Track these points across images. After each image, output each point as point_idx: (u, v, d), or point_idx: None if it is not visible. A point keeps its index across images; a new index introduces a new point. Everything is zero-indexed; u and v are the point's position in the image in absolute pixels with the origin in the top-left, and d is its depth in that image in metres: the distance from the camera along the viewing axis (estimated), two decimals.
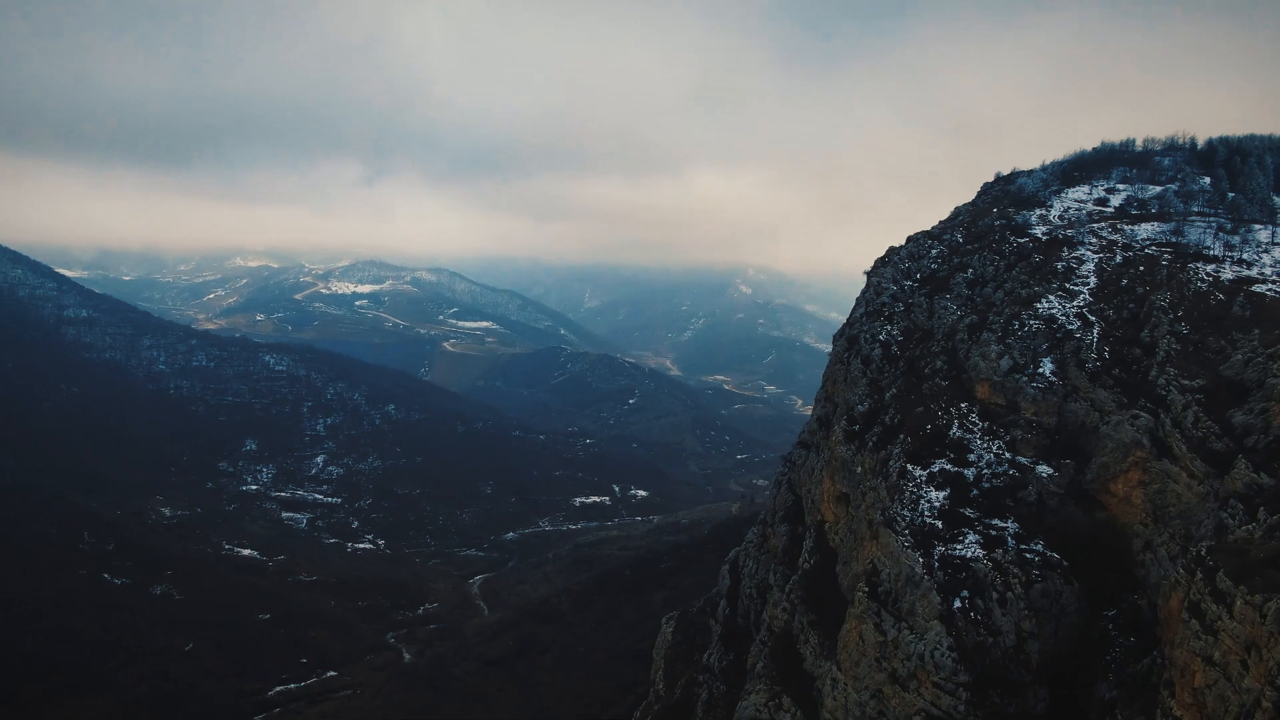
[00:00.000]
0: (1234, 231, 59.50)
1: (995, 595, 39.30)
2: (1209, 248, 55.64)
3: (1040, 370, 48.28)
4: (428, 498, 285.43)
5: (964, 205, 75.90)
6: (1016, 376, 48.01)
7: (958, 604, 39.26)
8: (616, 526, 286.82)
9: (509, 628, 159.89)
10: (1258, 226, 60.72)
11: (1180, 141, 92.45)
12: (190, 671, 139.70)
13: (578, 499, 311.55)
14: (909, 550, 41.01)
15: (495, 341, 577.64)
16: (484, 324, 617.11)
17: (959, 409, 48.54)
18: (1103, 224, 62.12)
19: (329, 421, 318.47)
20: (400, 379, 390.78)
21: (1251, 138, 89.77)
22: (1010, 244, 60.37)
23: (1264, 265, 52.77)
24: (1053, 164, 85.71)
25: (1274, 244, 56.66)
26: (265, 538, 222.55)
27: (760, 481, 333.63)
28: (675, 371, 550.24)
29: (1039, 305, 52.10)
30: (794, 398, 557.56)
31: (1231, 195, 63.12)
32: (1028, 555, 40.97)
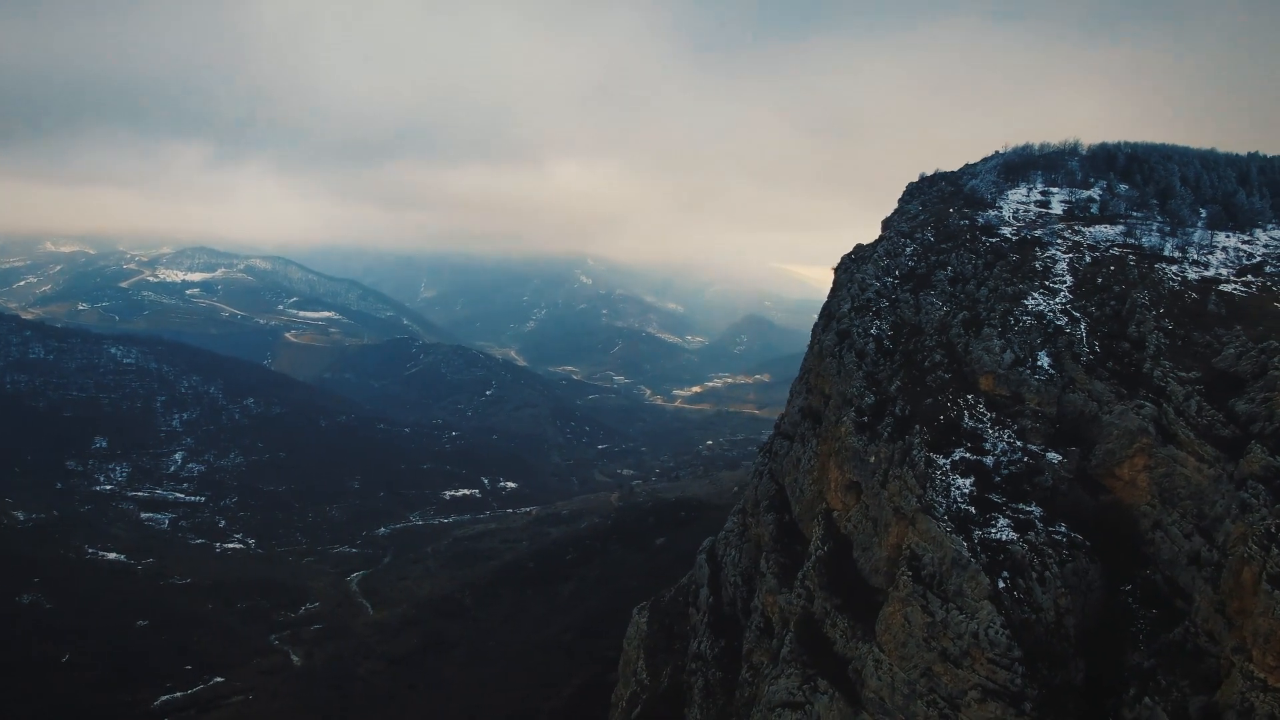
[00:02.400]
0: (1173, 234, 65.15)
1: (1035, 575, 42.03)
2: (1163, 249, 60.72)
3: (1039, 363, 51.63)
4: (295, 494, 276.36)
5: (913, 206, 79.43)
6: (1019, 369, 51.21)
7: (1001, 584, 41.77)
8: (492, 519, 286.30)
9: (410, 624, 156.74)
10: (1191, 229, 66.59)
11: (1080, 148, 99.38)
12: (71, 684, 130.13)
13: (448, 492, 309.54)
14: (952, 535, 43.25)
15: (339, 332, 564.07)
16: (326, 314, 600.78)
17: (966, 400, 51.29)
18: (1060, 225, 66.70)
19: (185, 416, 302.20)
20: (257, 371, 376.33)
21: (1147, 145, 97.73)
22: (983, 243, 64.02)
23: (1217, 266, 58.13)
24: (980, 164, 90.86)
25: (1213, 245, 62.32)
26: (128, 540, 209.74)
27: (626, 471, 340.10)
28: (522, 363, 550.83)
29: (1026, 302, 55.64)
30: (643, 388, 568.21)
31: (1172, 201, 68.66)
32: (1056, 537, 43.97)
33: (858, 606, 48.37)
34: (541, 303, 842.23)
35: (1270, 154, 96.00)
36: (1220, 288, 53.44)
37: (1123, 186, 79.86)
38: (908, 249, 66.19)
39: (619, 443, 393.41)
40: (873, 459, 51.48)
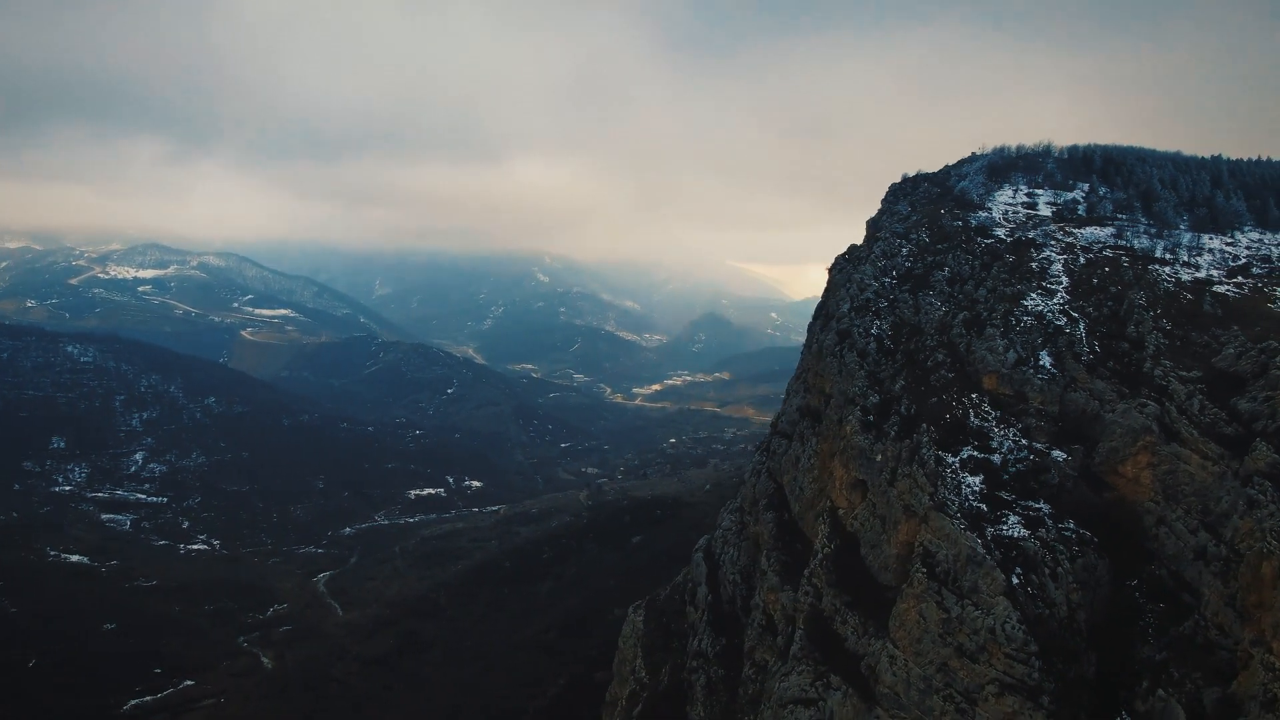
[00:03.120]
0: (1160, 236, 66.70)
1: (1048, 571, 42.85)
2: (1154, 251, 62.12)
3: (1041, 363, 52.59)
4: (259, 494, 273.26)
5: (902, 206, 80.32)
6: (1022, 369, 52.10)
7: (1015, 580, 42.53)
8: (459, 518, 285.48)
9: (385, 625, 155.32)
10: (1175, 231, 68.18)
11: (1053, 150, 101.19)
12: (39, 689, 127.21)
13: (412, 491, 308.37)
14: (966, 532, 43.92)
15: (295, 330, 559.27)
16: (282, 311, 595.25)
17: (971, 399, 52.09)
18: (1051, 227, 67.92)
19: (145, 416, 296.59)
20: (218, 370, 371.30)
21: (1118, 147, 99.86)
22: (978, 244, 65.01)
23: (1207, 268, 59.62)
24: (966, 166, 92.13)
25: (1199, 247, 63.89)
26: (90, 542, 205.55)
27: (590, 470, 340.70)
28: (480, 361, 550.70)
29: (1025, 302, 56.64)
30: (603, 386, 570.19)
31: (1158, 204, 70.22)
32: (1065, 533, 44.84)
33: (868, 603, 48.95)
34: (499, 300, 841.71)
35: (1233, 157, 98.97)
36: (1214, 289, 54.79)
37: (1104, 189, 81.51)
38: (904, 250, 67.01)
39: (582, 441, 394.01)
40: (879, 457, 52.07)
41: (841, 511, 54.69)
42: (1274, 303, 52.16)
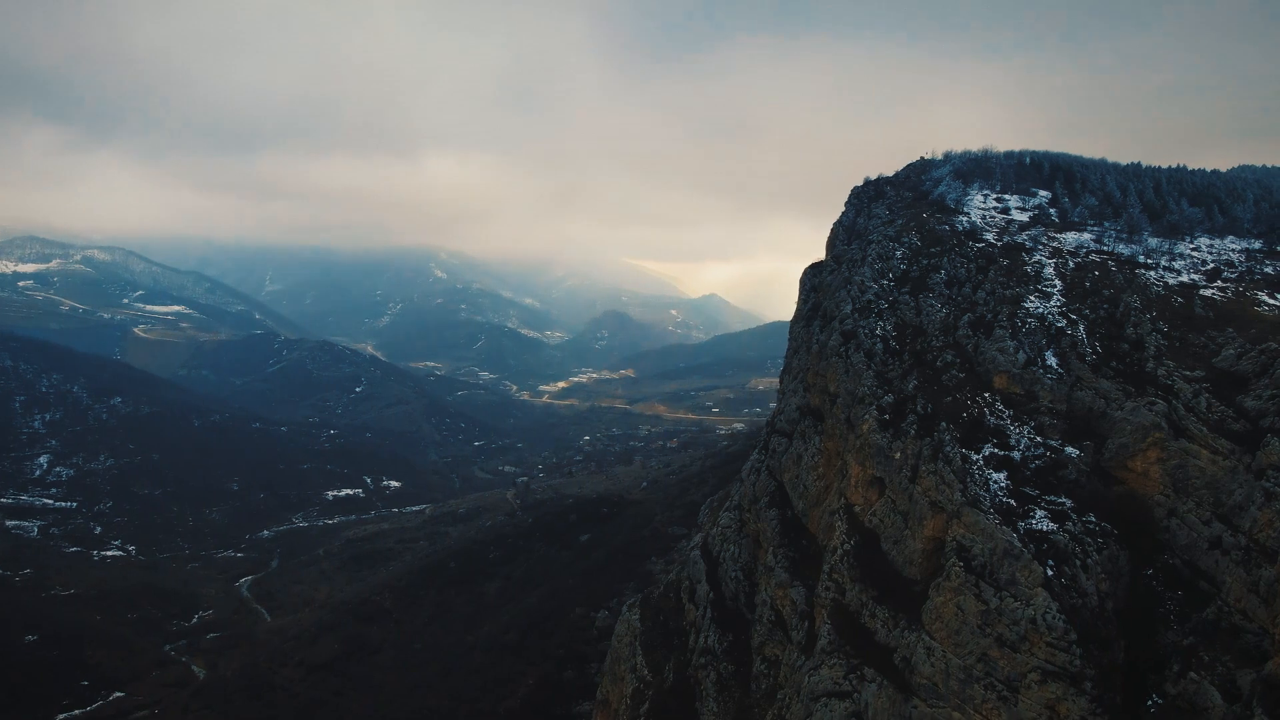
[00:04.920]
0: (1131, 241, 70.29)
1: (1079, 563, 44.92)
2: (1135, 255, 65.50)
3: (1048, 363, 55.00)
4: (173, 497, 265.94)
5: (879, 209, 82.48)
6: (1032, 368, 54.40)
7: (1049, 572, 44.50)
8: (382, 519, 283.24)
9: (327, 629, 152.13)
10: (1143, 236, 71.89)
11: (993, 154, 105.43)
12: None
13: (330, 492, 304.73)
14: (1001, 527, 45.73)
15: (191, 327, 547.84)
16: (175, 308, 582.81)
17: (984, 398, 54.14)
18: (1034, 231, 70.86)
19: (48, 417, 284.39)
20: (122, 369, 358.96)
21: (1060, 154, 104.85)
22: (970, 248, 67.39)
23: (1185, 272, 63.17)
24: (921, 168, 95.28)
25: (1171, 252, 67.57)
26: None
27: (507, 468, 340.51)
28: (381, 359, 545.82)
29: (1026, 305, 59.09)
30: (509, 384, 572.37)
31: (1130, 211, 73.88)
32: (1089, 526, 47.05)
33: (897, 597, 50.38)
34: (396, 297, 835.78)
35: (1148, 164, 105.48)
36: (1201, 292, 58.09)
37: (1066, 196, 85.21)
38: (898, 253, 68.87)
39: (495, 439, 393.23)
40: (898, 455, 53.59)
41: (858, 508, 56.07)
42: (1260, 306, 55.60)
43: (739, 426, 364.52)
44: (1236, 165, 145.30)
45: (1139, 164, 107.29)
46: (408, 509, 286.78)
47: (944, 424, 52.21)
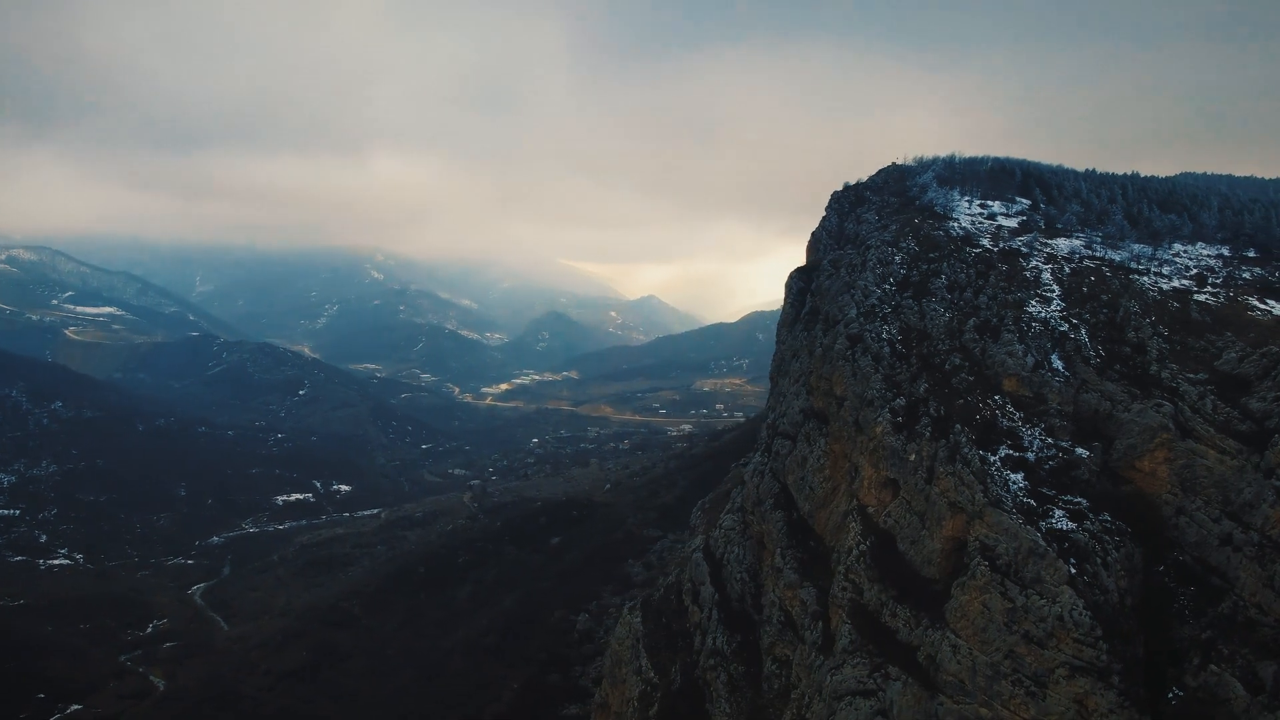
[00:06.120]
0: (1117, 247, 72.56)
1: (1099, 560, 46.33)
2: (1127, 261, 67.63)
3: (1055, 366, 56.57)
4: (119, 504, 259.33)
5: (869, 214, 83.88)
6: (1041, 371, 55.91)
7: (1072, 569, 45.83)
8: (335, 524, 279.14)
9: (295, 636, 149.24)
10: (1126, 243, 74.23)
11: (958, 161, 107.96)
12: None
13: (280, 497, 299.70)
14: (1025, 526, 46.96)
15: (125, 329, 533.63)
16: (107, 310, 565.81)
17: (994, 401, 55.49)
18: (1026, 238, 72.75)
19: None
20: (61, 373, 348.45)
21: (1028, 161, 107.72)
22: (968, 254, 68.93)
23: (1176, 277, 65.43)
24: (924, 174, 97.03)
25: (1157, 258, 69.94)
26: None
27: (457, 471, 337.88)
28: (323, 361, 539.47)
29: (1029, 309, 60.67)
30: (451, 386, 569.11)
31: (1115, 218, 76.20)
32: (1105, 524, 48.53)
33: (916, 596, 51.38)
34: (333, 298, 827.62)
35: (1101, 170, 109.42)
36: (1195, 297, 60.24)
37: (1045, 202, 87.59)
38: (896, 258, 70.12)
39: (442, 442, 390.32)
40: (913, 457, 54.66)
41: (871, 509, 57.02)
42: (1253, 311, 57.87)
43: (687, 428, 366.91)
44: (1179, 172, 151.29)
45: (1094, 170, 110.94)
46: (360, 513, 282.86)
47: (958, 426, 53.40)
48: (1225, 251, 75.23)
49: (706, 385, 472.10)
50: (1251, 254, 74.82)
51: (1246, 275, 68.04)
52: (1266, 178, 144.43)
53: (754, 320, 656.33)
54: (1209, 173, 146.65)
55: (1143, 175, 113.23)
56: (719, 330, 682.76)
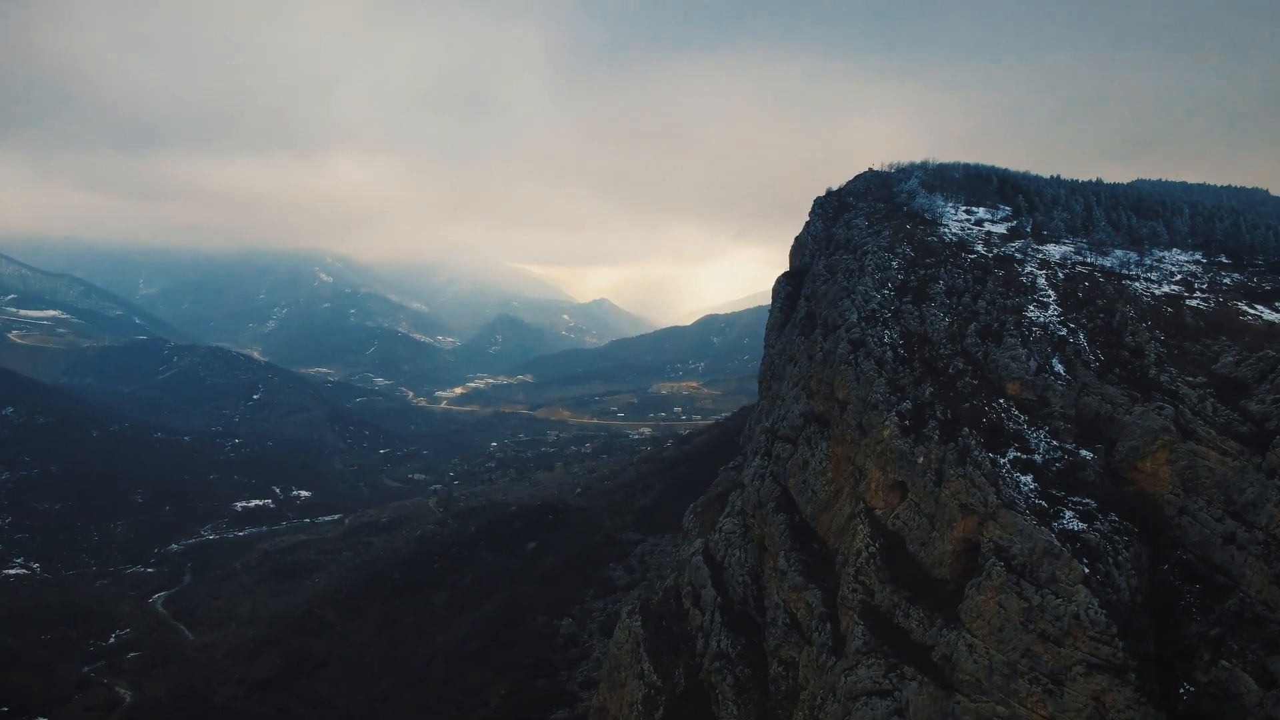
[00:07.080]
0: (1104, 253, 74.40)
1: (1111, 560, 47.47)
2: (1118, 268, 69.37)
3: (1056, 369, 57.83)
4: (75, 511, 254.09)
5: (859, 220, 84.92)
6: (1043, 375, 57.10)
7: (1086, 569, 46.90)
8: (297, 530, 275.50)
9: (266, 644, 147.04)
10: (1111, 249, 76.16)
11: (930, 166, 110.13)
12: None
13: (239, 503, 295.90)
14: (1039, 527, 47.96)
15: (70, 333, 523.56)
16: (51, 313, 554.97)
17: (999, 404, 56.55)
18: (1020, 243, 74.23)
19: None
20: (10, 377, 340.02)
21: (998, 168, 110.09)
22: (964, 260, 70.15)
23: (1164, 283, 67.24)
24: (911, 180, 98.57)
25: (1145, 264, 71.82)
26: None
27: (417, 476, 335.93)
28: (276, 365, 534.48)
29: (1027, 314, 61.94)
30: (405, 390, 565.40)
31: (1102, 226, 78.03)
32: (1114, 524, 49.73)
33: (929, 597, 52.18)
34: (281, 301, 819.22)
35: (1067, 177, 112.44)
36: (1187, 302, 61.97)
37: (1027, 209, 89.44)
38: (893, 264, 71.13)
39: (400, 446, 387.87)
40: (921, 459, 55.51)
41: (879, 512, 57.77)
42: (1244, 316, 59.67)
43: (647, 431, 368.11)
44: (1135, 179, 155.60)
45: (1059, 176, 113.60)
46: (320, 519, 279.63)
47: (967, 429, 54.34)
48: (1201, 258, 77.47)
49: (664, 389, 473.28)
50: (1224, 259, 77.18)
51: (1227, 281, 70.15)
52: (1219, 184, 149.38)
53: (707, 323, 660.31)
54: (1164, 179, 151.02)
55: (1106, 182, 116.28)
56: (673, 333, 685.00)
